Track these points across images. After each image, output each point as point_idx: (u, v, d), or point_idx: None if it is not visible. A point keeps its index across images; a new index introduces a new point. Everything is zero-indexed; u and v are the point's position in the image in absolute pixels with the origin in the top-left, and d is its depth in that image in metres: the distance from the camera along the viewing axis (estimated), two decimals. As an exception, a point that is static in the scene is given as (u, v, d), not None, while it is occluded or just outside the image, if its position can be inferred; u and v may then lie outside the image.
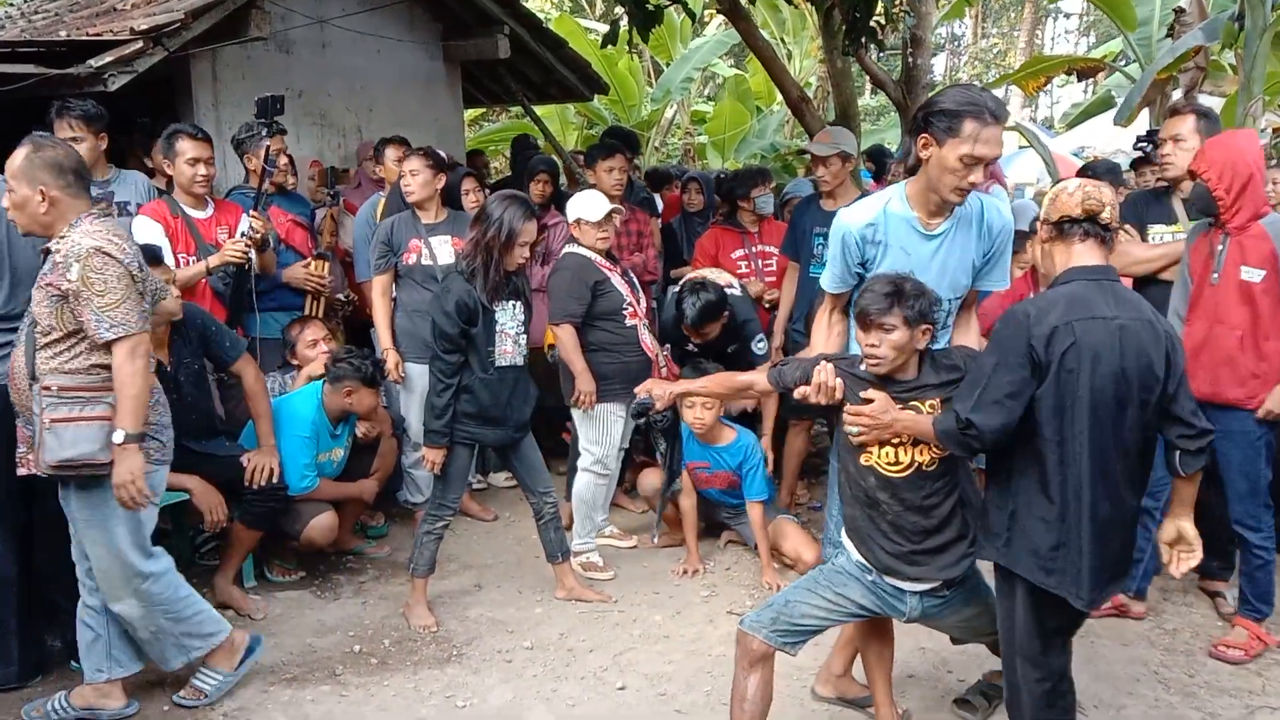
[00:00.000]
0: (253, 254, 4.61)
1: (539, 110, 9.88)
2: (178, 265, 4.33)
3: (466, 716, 3.44)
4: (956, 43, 34.28)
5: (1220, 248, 3.68)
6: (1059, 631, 2.70)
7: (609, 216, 4.54)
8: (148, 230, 4.38)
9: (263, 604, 4.27)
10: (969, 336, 3.15)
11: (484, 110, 15.07)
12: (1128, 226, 4.21)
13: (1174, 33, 7.94)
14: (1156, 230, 4.17)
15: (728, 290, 4.76)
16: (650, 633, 4.02)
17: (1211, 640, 3.81)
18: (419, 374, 4.75)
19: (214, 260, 4.51)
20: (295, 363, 4.89)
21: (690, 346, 4.82)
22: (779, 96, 10.87)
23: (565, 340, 4.48)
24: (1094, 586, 2.59)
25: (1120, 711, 3.40)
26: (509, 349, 4.07)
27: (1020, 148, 14.04)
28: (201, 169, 4.53)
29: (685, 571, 4.56)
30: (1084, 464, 2.54)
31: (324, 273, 5.11)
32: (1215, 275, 3.69)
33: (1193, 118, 4.02)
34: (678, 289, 4.86)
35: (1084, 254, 2.64)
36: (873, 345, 2.70)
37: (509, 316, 4.06)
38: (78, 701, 3.37)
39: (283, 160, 5.16)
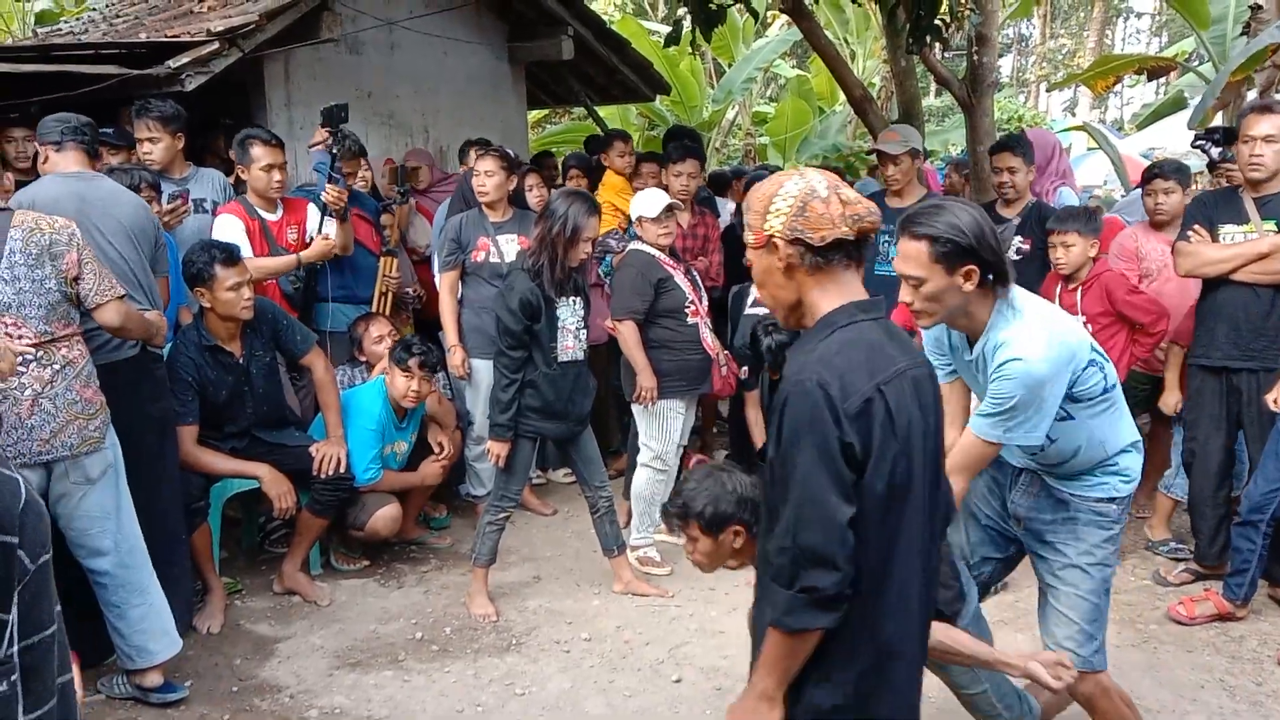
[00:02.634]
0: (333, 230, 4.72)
1: (601, 111, 9.95)
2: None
3: (524, 704, 3.50)
4: (1024, 43, 33.77)
5: None
6: None
7: (669, 211, 4.57)
8: (231, 230, 4.53)
9: (328, 591, 4.38)
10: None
11: (547, 112, 15.20)
12: (1197, 227, 4.14)
13: (1250, 30, 7.75)
14: (1227, 230, 4.09)
15: None
16: (706, 627, 4.05)
17: (1279, 649, 3.74)
18: (484, 369, 4.83)
19: (308, 254, 4.65)
20: (362, 359, 5.00)
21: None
22: (841, 96, 10.83)
23: (627, 336, 4.52)
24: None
25: (1184, 718, 3.35)
26: (570, 344, 4.12)
27: (1089, 149, 13.81)
28: (276, 175, 4.65)
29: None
30: (903, 580, 1.90)
31: (394, 270, 5.22)
32: None
33: None
34: (755, 324, 4.88)
35: (852, 285, 1.94)
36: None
37: (570, 312, 4.12)
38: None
39: (355, 180, 5.26)
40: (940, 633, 2.39)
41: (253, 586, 4.49)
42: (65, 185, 3.62)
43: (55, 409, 3.19)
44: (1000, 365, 2.45)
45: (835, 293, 1.91)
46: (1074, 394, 2.57)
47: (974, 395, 2.78)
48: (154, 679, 3.50)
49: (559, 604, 4.29)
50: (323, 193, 4.70)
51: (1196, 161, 6.80)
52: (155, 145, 4.51)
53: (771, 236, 1.91)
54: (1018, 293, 2.52)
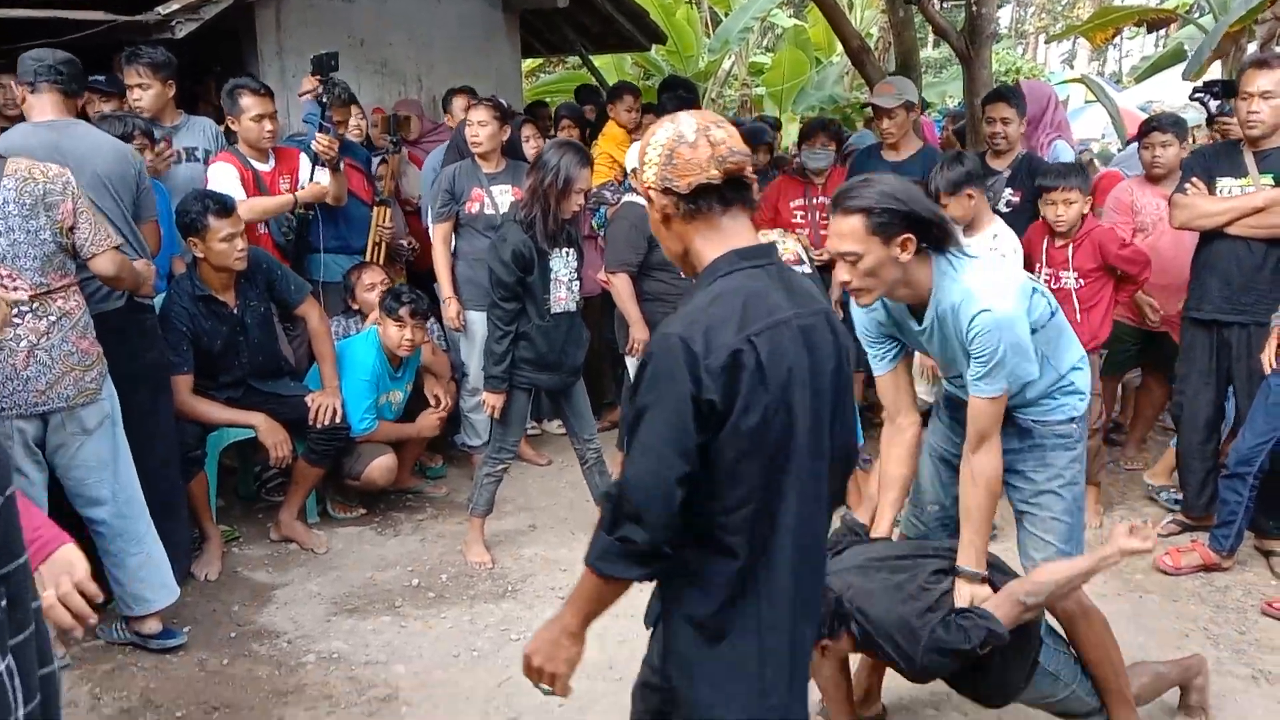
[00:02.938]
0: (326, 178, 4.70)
1: (596, 61, 9.85)
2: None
3: (519, 649, 3.50)
4: (1024, -7, 33.35)
5: None
6: None
7: None
8: (226, 180, 4.48)
9: (325, 539, 4.42)
10: (980, 476, 2.67)
11: (541, 61, 15.04)
12: (1194, 179, 4.14)
13: (1251, -19, 7.69)
14: (1224, 184, 4.09)
15: (797, 268, 4.66)
16: (700, 576, 4.10)
17: (1264, 599, 3.79)
18: (478, 321, 4.83)
19: (304, 194, 4.63)
20: (355, 306, 5.00)
21: None
22: (839, 47, 10.73)
23: (621, 289, 4.52)
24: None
25: (1167, 665, 3.42)
26: (563, 296, 4.13)
27: (1087, 102, 13.73)
28: (267, 125, 4.60)
29: None
30: (781, 523, 1.81)
31: (388, 220, 5.20)
32: None
33: None
34: None
35: (734, 231, 1.85)
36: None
37: (563, 264, 4.11)
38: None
39: (344, 129, 5.21)
40: (1040, 574, 2.59)
41: (250, 535, 4.53)
42: (37, 135, 3.54)
43: (51, 360, 3.18)
44: (972, 322, 2.45)
45: (717, 240, 1.85)
46: (1031, 325, 2.61)
47: (916, 374, 2.81)
48: (152, 626, 3.54)
49: (554, 552, 4.33)
50: (313, 142, 4.66)
51: (1195, 115, 6.78)
52: (145, 92, 4.46)
53: (649, 188, 1.87)
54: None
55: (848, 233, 2.37)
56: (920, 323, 2.59)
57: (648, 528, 1.74)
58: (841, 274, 2.43)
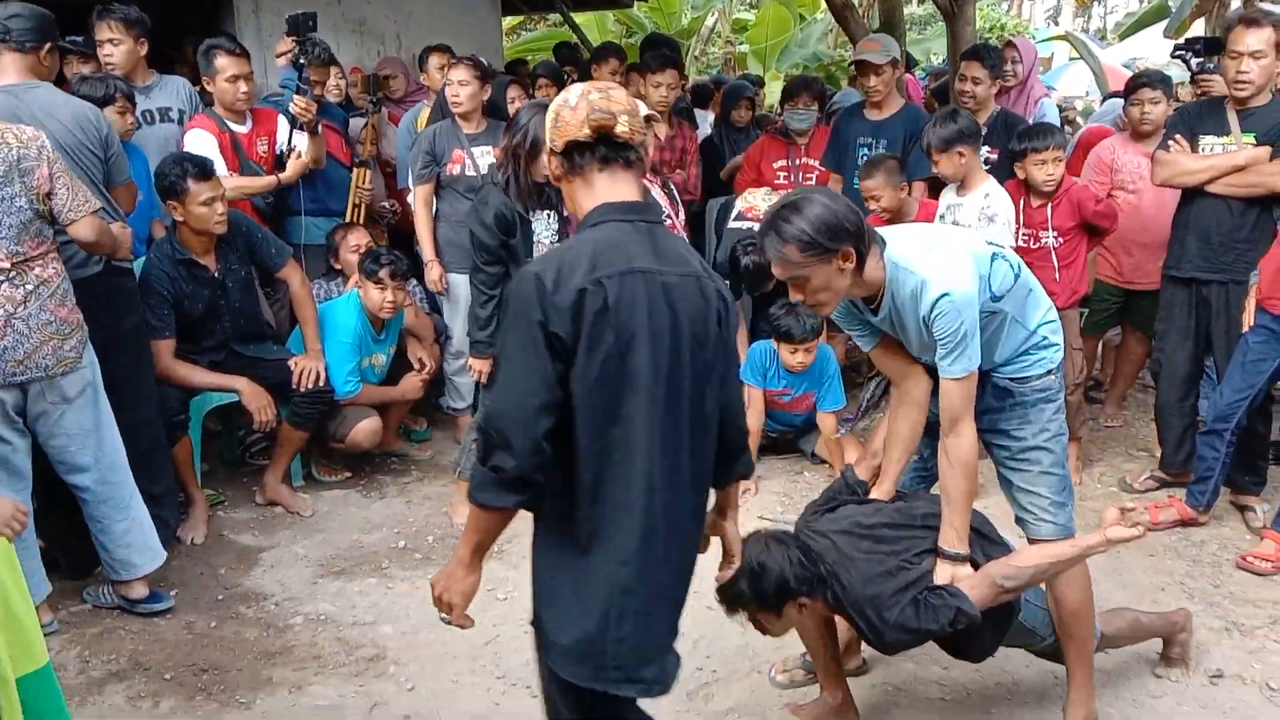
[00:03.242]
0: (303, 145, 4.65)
1: (578, 18, 9.76)
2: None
3: (506, 608, 3.59)
4: (1009, -52, 33.08)
5: None
6: None
7: (645, 123, 4.51)
8: (203, 144, 4.43)
9: (310, 502, 4.44)
10: (956, 463, 2.62)
11: (521, 19, 14.87)
12: (1177, 137, 4.15)
13: (1235, -64, 7.66)
14: (1207, 142, 4.10)
15: None
16: (684, 536, 4.14)
17: (1239, 553, 3.86)
18: (462, 284, 4.80)
19: (287, 175, 4.58)
20: (339, 267, 4.97)
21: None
22: (822, 4, 10.65)
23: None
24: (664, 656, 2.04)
25: (1143, 618, 3.48)
26: (544, 258, 4.10)
27: (1071, 59, 13.68)
28: (242, 86, 4.53)
29: (744, 490, 4.57)
30: (647, 480, 1.90)
31: (367, 182, 5.16)
32: None
33: (1271, 31, 3.83)
34: (735, 241, 4.82)
35: (609, 187, 1.98)
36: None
37: (544, 227, 4.09)
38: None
39: (322, 90, 5.15)
40: (1021, 558, 2.60)
41: (235, 498, 4.54)
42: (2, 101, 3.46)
43: (29, 330, 3.13)
44: (934, 307, 2.47)
45: (592, 195, 1.98)
46: (996, 293, 2.60)
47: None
48: (139, 590, 3.55)
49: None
50: (290, 104, 4.60)
51: (1178, 72, 6.76)
52: (116, 48, 4.37)
53: (549, 153, 2.03)
54: (890, 236, 2.57)
55: (789, 259, 2.40)
56: (877, 314, 2.63)
57: (515, 454, 1.83)
58: (795, 295, 2.49)
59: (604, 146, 1.97)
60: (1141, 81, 4.89)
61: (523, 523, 4.29)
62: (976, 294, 2.52)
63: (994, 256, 2.65)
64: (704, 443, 2.01)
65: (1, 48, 3.47)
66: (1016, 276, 2.70)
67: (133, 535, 3.48)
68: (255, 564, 3.97)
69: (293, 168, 4.62)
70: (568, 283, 1.84)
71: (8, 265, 3.09)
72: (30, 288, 3.14)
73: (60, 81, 3.89)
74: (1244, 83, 3.92)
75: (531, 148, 3.92)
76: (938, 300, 2.46)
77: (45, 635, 3.31)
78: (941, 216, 4.35)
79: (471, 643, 3.36)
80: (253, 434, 4.85)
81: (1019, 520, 2.84)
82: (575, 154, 1.97)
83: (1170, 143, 4.16)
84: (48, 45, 3.54)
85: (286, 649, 3.39)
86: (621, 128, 1.97)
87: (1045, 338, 2.75)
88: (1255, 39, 3.85)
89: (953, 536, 2.59)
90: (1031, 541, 2.80)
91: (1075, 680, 2.85)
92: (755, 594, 2.53)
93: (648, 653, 1.99)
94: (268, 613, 3.62)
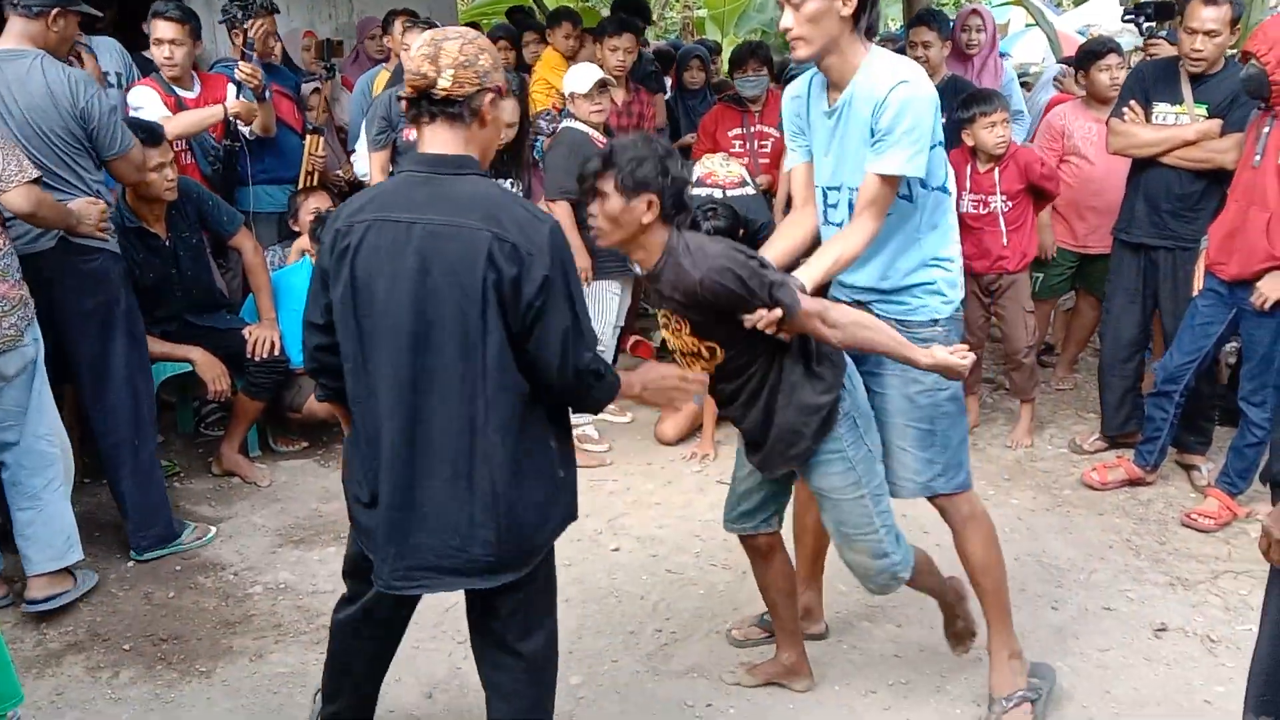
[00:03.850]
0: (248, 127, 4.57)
1: (535, -19, 9.65)
2: (171, 145, 4.16)
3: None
4: (966, -87, 33.09)
5: (1266, 130, 3.63)
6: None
7: (601, 88, 4.49)
8: (150, 104, 4.33)
9: (268, 472, 4.41)
10: (846, 239, 2.61)
11: (477, -18, 14.66)
12: (1133, 103, 4.20)
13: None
14: (1160, 109, 4.15)
15: (740, 190, 4.64)
16: (643, 500, 4.17)
17: (1183, 511, 3.96)
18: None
19: (233, 106, 4.45)
20: (297, 229, 4.90)
21: None
22: (780, -31, 10.56)
23: (561, 217, 4.49)
24: (404, 560, 2.17)
25: (1090, 575, 3.57)
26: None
27: (1026, 25, 13.73)
28: (166, 50, 4.40)
29: (697, 456, 4.56)
30: (382, 407, 2.10)
31: (320, 149, 5.09)
32: (1257, 158, 3.66)
33: (1228, 8, 3.89)
34: (697, 207, 4.78)
35: (429, 139, 2.11)
36: (589, 214, 2.42)
37: (503, 195, 4.07)
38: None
39: (268, 44, 5.05)
40: (855, 313, 2.49)
41: (191, 469, 4.50)
42: None
43: None
44: (889, 93, 2.49)
45: (419, 146, 2.14)
46: (925, 178, 2.62)
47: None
48: (34, 588, 3.33)
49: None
50: (236, 70, 4.50)
51: (1130, 39, 6.84)
52: None
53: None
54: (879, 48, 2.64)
55: None
56: (831, 104, 2.64)
57: (304, 358, 2.32)
58: (785, 20, 2.51)
59: (425, 102, 2.07)
60: (1109, 47, 4.92)
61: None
62: (934, 107, 2.55)
63: (940, 144, 2.64)
64: (465, 375, 2.06)
65: (10, 11, 3.40)
66: (942, 186, 2.69)
67: (35, 528, 3.30)
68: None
69: (239, 104, 4.47)
70: (331, 225, 2.14)
71: None
72: None
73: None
74: (1198, 59, 3.98)
75: None
76: (895, 86, 2.49)
77: (-1, 608, 3.31)
78: None
79: (433, 608, 3.36)
80: (208, 404, 4.81)
81: (889, 481, 2.78)
82: (409, 109, 2.12)
83: (1125, 110, 4.21)
84: (55, 10, 3.43)
85: (246, 618, 3.39)
86: (444, 83, 2.04)
87: (938, 280, 2.72)
88: (1211, 16, 3.90)
89: (806, 275, 2.52)
90: (942, 509, 2.85)
91: (993, 628, 2.88)
92: (625, 164, 2.31)
93: (389, 550, 2.17)
94: (227, 582, 3.61)
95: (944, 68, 5.00)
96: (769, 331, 2.37)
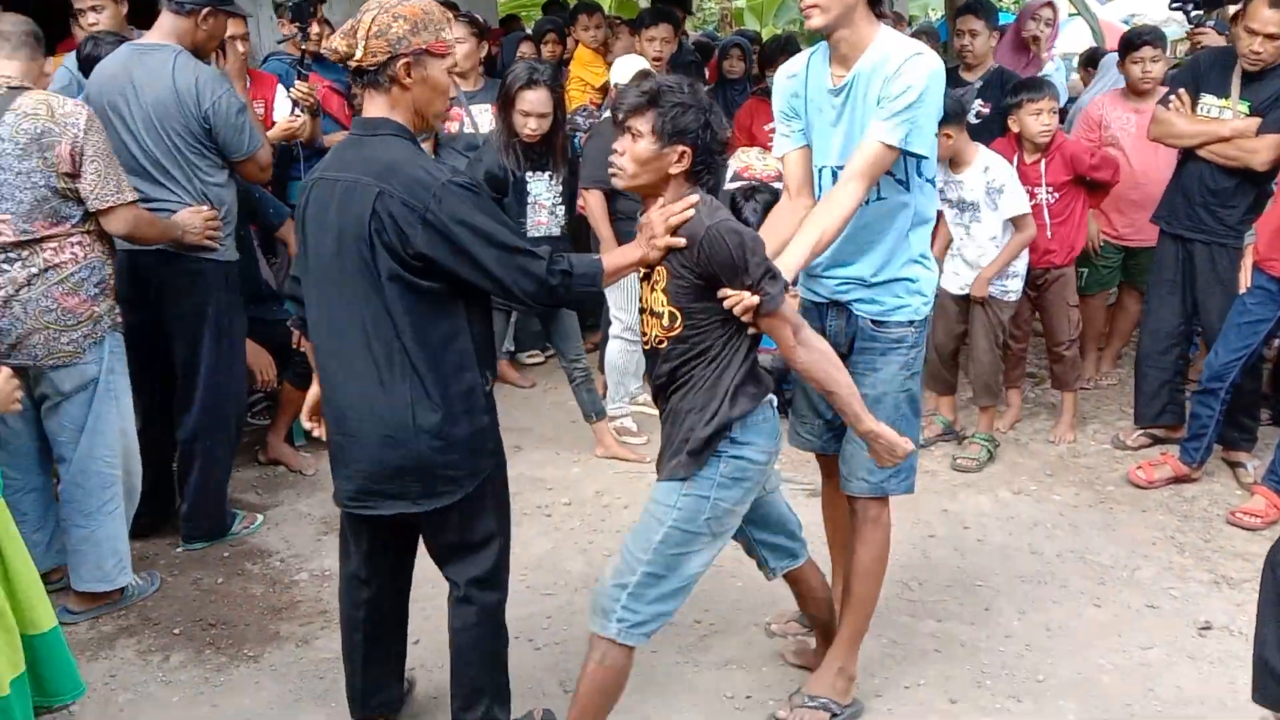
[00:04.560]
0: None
1: (574, -27, 9.65)
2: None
3: (509, 564, 3.64)
4: (1009, -99, 32.66)
5: None
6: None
7: (642, 79, 4.49)
8: None
9: (313, 460, 4.47)
10: (830, 207, 2.53)
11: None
12: (1181, 93, 4.14)
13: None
14: (1206, 102, 4.11)
15: (778, 184, 4.64)
16: (683, 492, 4.18)
17: (1229, 508, 3.91)
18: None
19: (274, 133, 4.49)
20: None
21: None
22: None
23: (594, 207, 4.51)
24: (350, 483, 2.44)
25: (1134, 572, 3.54)
26: (543, 219, 4.13)
27: (1070, 15, 13.54)
28: (240, 46, 4.46)
29: None
30: (321, 341, 2.39)
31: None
32: None
33: None
34: (735, 193, 4.80)
35: (366, 105, 2.31)
36: (615, 152, 2.35)
37: (544, 187, 4.10)
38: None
39: (316, 29, 5.10)
40: (828, 360, 2.35)
41: (238, 458, 4.55)
42: (119, 58, 3.42)
43: (24, 315, 3.03)
44: (904, 62, 2.45)
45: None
46: (921, 169, 2.59)
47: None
48: (73, 601, 3.33)
49: (540, 471, 4.41)
50: (291, 89, 4.54)
51: (1176, 29, 6.74)
52: (100, 15, 4.26)
53: None
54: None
55: None
56: (837, 82, 2.58)
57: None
58: None
59: (354, 73, 2.28)
60: (1144, 39, 4.87)
61: (522, 483, 4.34)
62: (942, 84, 2.51)
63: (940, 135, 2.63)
64: (370, 316, 2.26)
65: (164, 5, 3.45)
66: (932, 181, 2.67)
67: (86, 546, 3.28)
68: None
69: (279, 128, 4.53)
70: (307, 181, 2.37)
71: (13, 242, 3.00)
72: (35, 271, 3.03)
73: (61, 39, 3.78)
74: (1256, 59, 3.92)
75: (505, 104, 3.95)
76: (910, 58, 2.45)
77: (53, 592, 3.38)
78: (941, 191, 4.38)
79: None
80: (255, 394, 4.88)
81: (840, 476, 2.77)
82: (356, 78, 2.30)
83: (1171, 99, 4.17)
84: (206, 9, 3.47)
85: (292, 604, 3.45)
86: (358, 54, 2.21)
87: (920, 278, 2.68)
88: (1274, 19, 3.82)
89: (781, 263, 2.41)
90: (851, 503, 2.76)
91: (843, 635, 2.78)
92: (668, 108, 2.25)
93: (340, 472, 2.46)
94: (273, 569, 3.67)
95: (990, 58, 4.96)
96: (742, 316, 2.27)
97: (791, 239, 2.55)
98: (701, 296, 2.31)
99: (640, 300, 2.49)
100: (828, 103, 2.63)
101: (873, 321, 2.67)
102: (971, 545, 3.73)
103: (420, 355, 2.28)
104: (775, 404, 2.45)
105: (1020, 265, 4.36)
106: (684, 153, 2.27)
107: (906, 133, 2.47)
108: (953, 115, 4.13)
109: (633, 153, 2.29)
